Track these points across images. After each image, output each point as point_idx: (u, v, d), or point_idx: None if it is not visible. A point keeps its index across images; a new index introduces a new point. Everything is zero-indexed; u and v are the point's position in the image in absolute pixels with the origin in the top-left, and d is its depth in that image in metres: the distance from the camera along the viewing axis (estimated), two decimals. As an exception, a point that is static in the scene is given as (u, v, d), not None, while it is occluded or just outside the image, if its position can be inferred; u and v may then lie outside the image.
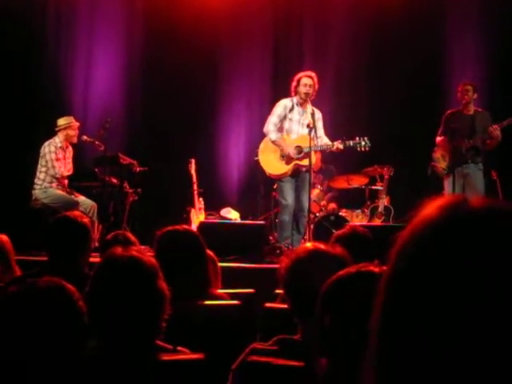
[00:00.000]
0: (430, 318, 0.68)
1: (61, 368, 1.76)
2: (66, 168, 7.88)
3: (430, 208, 0.74)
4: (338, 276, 1.67)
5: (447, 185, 7.50)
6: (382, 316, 0.73)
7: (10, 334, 1.74)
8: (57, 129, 7.89)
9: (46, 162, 7.74)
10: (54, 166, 7.73)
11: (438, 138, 7.68)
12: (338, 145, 7.23)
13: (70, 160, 7.98)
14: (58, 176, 7.76)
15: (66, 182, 7.88)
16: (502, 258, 0.68)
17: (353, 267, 1.71)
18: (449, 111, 7.70)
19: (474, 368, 0.66)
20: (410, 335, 0.69)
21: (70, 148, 7.99)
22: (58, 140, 7.86)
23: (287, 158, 7.32)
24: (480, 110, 7.62)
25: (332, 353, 1.56)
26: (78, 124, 7.98)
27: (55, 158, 7.76)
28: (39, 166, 7.79)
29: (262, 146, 7.52)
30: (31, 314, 1.75)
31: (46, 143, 7.83)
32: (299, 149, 7.27)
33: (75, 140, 7.97)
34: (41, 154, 7.81)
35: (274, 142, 7.36)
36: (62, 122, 7.92)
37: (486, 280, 0.67)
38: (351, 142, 7.28)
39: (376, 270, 1.65)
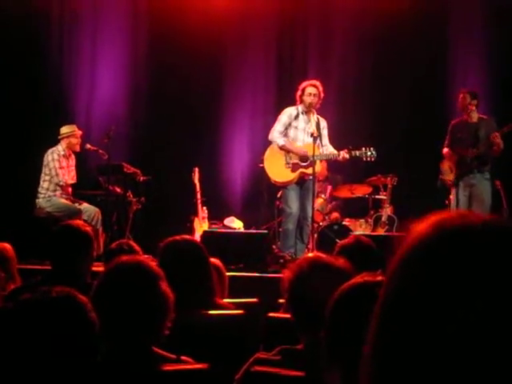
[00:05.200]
0: (419, 338, 0.68)
1: (70, 379, 1.75)
2: (69, 176, 7.89)
3: (423, 224, 0.74)
4: (346, 288, 1.66)
5: (453, 196, 7.45)
6: (377, 334, 0.73)
7: (19, 343, 1.74)
8: (60, 137, 7.90)
9: (50, 170, 7.75)
10: (57, 174, 7.74)
11: (445, 150, 7.63)
12: (344, 154, 7.23)
13: (73, 168, 7.99)
14: (62, 184, 7.76)
15: (70, 190, 7.89)
16: (486, 278, 0.67)
17: (359, 277, 1.69)
18: (453, 121, 7.65)
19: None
20: (399, 354, 0.70)
21: (73, 156, 8.00)
22: (60, 148, 7.87)
23: (293, 166, 7.32)
24: (485, 117, 7.55)
25: (342, 366, 1.55)
26: (80, 132, 8.00)
27: (59, 166, 7.77)
28: (42, 175, 7.80)
29: (267, 153, 7.51)
30: (42, 324, 1.75)
31: (49, 151, 7.84)
32: (305, 157, 7.27)
33: (78, 148, 7.98)
34: (44, 163, 7.82)
35: (282, 147, 7.35)
36: (65, 130, 7.93)
37: (473, 300, 0.67)
38: (357, 152, 7.28)
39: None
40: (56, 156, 7.80)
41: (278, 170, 7.38)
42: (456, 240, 0.70)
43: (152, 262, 2.43)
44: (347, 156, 7.24)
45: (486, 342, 0.65)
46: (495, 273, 0.67)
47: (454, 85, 9.28)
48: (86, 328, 1.81)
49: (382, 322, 0.73)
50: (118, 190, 8.08)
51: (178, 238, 3.36)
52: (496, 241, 0.70)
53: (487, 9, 9.31)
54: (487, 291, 0.67)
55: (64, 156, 7.87)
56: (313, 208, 7.14)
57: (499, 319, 0.66)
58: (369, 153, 7.30)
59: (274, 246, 7.65)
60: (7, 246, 4.40)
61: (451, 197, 7.66)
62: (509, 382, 0.65)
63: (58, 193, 7.77)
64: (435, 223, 0.73)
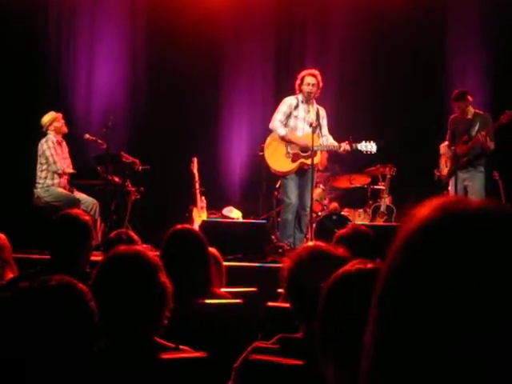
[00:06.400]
0: (420, 322, 0.69)
1: (68, 368, 1.76)
2: (64, 163, 7.88)
3: (425, 209, 0.74)
4: (340, 274, 1.66)
5: (451, 189, 7.52)
6: (377, 320, 0.73)
7: (19, 331, 1.74)
8: (44, 128, 7.88)
9: (47, 158, 7.73)
10: (55, 162, 7.73)
11: (442, 145, 7.70)
12: (345, 146, 7.24)
13: (67, 155, 7.99)
14: (60, 172, 7.76)
15: (66, 178, 7.88)
16: (486, 261, 0.68)
17: (350, 265, 1.69)
18: (452, 116, 7.68)
19: (466, 372, 0.67)
20: (401, 340, 0.70)
21: (64, 143, 7.99)
22: (51, 136, 7.85)
23: (293, 156, 7.32)
24: (481, 112, 7.57)
25: (335, 356, 1.56)
26: (60, 114, 7.98)
27: (55, 153, 7.77)
28: (39, 165, 7.78)
29: (267, 142, 7.50)
30: (41, 312, 1.75)
31: (43, 141, 7.82)
32: (306, 147, 7.27)
33: (65, 129, 7.97)
34: (39, 153, 7.79)
35: (283, 138, 7.34)
36: (45, 119, 7.90)
37: (473, 283, 0.67)
38: (358, 145, 7.29)
39: (377, 267, 1.64)
40: (51, 144, 7.78)
41: (278, 159, 7.38)
42: (459, 223, 0.71)
43: (150, 253, 2.43)
44: (348, 148, 7.25)
45: (483, 325, 0.66)
46: (490, 256, 0.68)
47: (452, 77, 9.28)
48: (85, 317, 1.81)
49: (382, 306, 0.73)
50: (117, 179, 8.07)
51: (179, 227, 3.38)
52: (496, 226, 0.70)
53: (486, 3, 9.29)
54: (481, 273, 0.67)
55: (57, 143, 7.87)
56: (312, 198, 7.15)
57: (493, 301, 0.67)
58: (369, 146, 7.33)
59: (272, 236, 7.65)
60: (1, 235, 4.38)
61: (450, 188, 7.70)
62: (495, 363, 0.66)
63: (55, 181, 7.76)
64: (438, 207, 0.73)
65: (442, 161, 7.72)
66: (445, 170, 7.61)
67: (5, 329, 1.75)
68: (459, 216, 0.72)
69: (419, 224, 0.73)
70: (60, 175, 7.78)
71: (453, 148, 7.49)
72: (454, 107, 7.58)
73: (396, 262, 0.73)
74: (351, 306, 1.58)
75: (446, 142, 7.73)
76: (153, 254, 2.48)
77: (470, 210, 0.72)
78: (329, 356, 1.58)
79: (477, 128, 7.38)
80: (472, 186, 7.43)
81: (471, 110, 7.51)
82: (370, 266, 1.66)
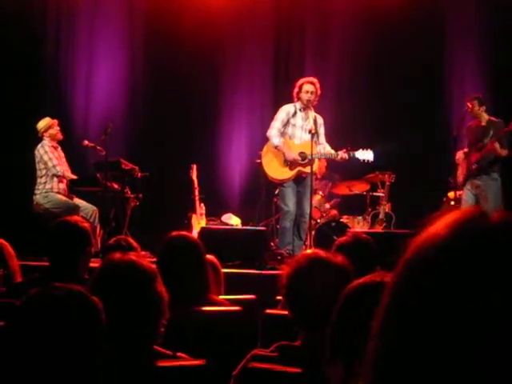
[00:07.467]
0: (429, 338, 0.66)
1: (74, 378, 1.74)
2: (63, 168, 7.89)
3: (439, 223, 0.70)
4: (356, 285, 1.65)
5: (463, 197, 7.49)
6: (379, 337, 0.71)
7: (29, 339, 1.72)
8: (39, 134, 7.90)
9: (45, 163, 7.74)
10: (54, 165, 7.73)
11: (457, 153, 7.67)
12: (343, 155, 7.25)
13: (64, 160, 8.00)
14: (60, 174, 7.76)
15: (65, 182, 7.87)
16: (502, 273, 0.65)
17: (370, 276, 1.68)
18: (468, 124, 7.66)
19: None
20: (405, 356, 0.67)
21: (59, 149, 8.01)
22: (46, 142, 7.87)
23: (291, 164, 7.32)
24: (494, 119, 7.53)
25: (346, 358, 1.55)
26: (56, 121, 7.99)
27: (53, 156, 7.78)
28: (38, 172, 7.78)
29: (265, 149, 7.51)
30: (52, 321, 1.73)
31: (38, 146, 7.83)
32: (303, 155, 7.27)
33: (61, 136, 7.99)
34: (37, 159, 7.80)
35: (276, 148, 7.37)
36: (41, 125, 7.92)
37: (495, 294, 0.64)
38: (355, 153, 7.30)
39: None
40: (47, 148, 7.81)
41: (275, 167, 7.38)
42: (476, 239, 0.68)
43: (146, 261, 2.41)
44: (346, 156, 7.26)
45: (505, 335, 0.64)
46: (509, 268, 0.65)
47: (451, 82, 9.29)
48: (96, 326, 1.80)
49: (386, 323, 0.70)
50: (116, 186, 8.07)
51: (174, 234, 3.37)
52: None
53: (485, 4, 9.31)
54: (502, 284, 0.64)
55: (53, 148, 7.88)
56: (311, 205, 7.14)
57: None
58: (366, 154, 7.33)
59: (271, 243, 7.65)
60: (3, 241, 4.38)
61: (449, 194, 7.69)
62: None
63: (55, 185, 7.75)
64: (451, 222, 0.70)
65: (459, 169, 7.68)
66: (460, 178, 7.57)
67: (15, 337, 1.73)
68: (477, 231, 0.68)
69: (432, 241, 0.69)
70: (60, 178, 7.78)
71: (467, 157, 7.48)
72: (466, 102, 7.48)
73: (405, 279, 0.70)
74: (365, 317, 1.57)
75: (465, 150, 7.69)
76: (149, 261, 2.47)
77: (488, 223, 0.69)
78: (339, 359, 1.57)
79: (490, 135, 7.38)
80: (485, 196, 7.36)
81: (485, 117, 7.48)
82: (387, 278, 1.64)
